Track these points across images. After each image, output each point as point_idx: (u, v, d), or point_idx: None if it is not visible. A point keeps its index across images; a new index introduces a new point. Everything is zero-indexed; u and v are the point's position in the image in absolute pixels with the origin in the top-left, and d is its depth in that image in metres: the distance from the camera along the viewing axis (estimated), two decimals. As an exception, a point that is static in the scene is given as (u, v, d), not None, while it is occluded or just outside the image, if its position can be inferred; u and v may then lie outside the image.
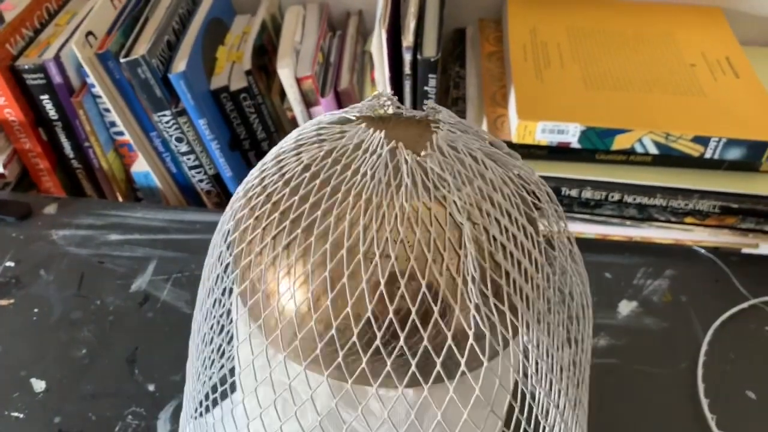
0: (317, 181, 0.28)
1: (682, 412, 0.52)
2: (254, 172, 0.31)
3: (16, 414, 0.51)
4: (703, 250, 0.65)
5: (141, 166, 0.72)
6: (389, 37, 0.60)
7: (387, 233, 0.26)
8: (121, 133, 0.71)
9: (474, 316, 0.27)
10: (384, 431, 0.28)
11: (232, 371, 0.33)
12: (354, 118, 0.31)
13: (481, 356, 0.28)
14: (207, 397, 0.34)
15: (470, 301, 0.27)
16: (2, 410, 0.51)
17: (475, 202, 0.27)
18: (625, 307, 0.60)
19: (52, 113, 0.69)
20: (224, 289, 0.32)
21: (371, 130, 0.29)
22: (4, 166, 0.71)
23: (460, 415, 0.28)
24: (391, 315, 0.27)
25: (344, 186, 0.27)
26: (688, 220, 0.63)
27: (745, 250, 0.65)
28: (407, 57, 0.60)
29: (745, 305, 0.60)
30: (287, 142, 0.32)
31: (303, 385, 0.29)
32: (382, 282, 0.26)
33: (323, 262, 0.27)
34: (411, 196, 0.27)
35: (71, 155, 0.73)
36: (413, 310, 0.26)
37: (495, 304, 0.27)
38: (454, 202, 0.27)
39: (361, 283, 0.26)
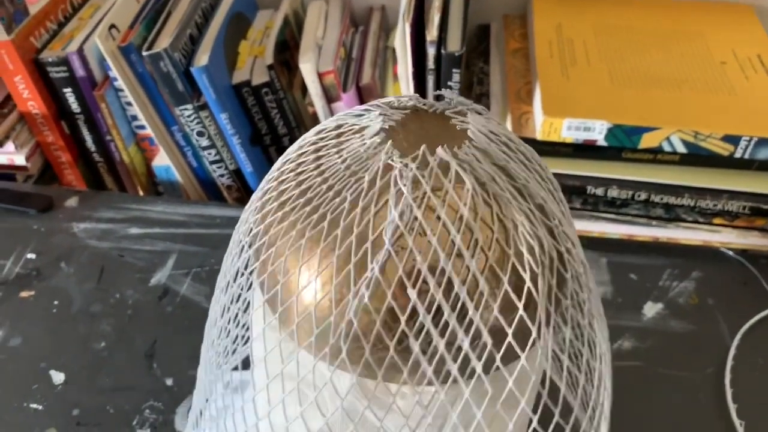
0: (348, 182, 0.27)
1: (708, 417, 0.51)
2: (274, 172, 0.31)
3: (35, 405, 0.51)
4: (731, 252, 0.63)
5: (162, 160, 0.72)
6: (413, 31, 0.59)
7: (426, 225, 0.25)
8: (142, 127, 0.71)
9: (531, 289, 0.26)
10: (407, 428, 0.28)
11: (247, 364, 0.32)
12: (380, 116, 0.31)
13: (496, 357, 0.27)
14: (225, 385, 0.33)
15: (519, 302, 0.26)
16: (21, 402, 0.51)
17: (513, 198, 0.27)
18: (651, 309, 0.59)
19: (75, 106, 0.69)
20: (245, 287, 0.31)
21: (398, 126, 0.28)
22: (27, 159, 0.71)
23: (483, 414, 0.27)
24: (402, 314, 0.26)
25: (379, 182, 0.26)
26: (717, 221, 0.62)
27: (776, 253, 0.64)
28: (431, 51, 0.59)
29: (775, 309, 0.58)
30: (309, 136, 0.31)
31: (324, 380, 0.29)
32: (396, 276, 0.26)
33: (348, 257, 0.26)
34: (453, 178, 0.26)
35: (93, 148, 0.73)
36: (421, 308, 0.25)
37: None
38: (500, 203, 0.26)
39: (390, 278, 0.25)
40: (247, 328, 0.32)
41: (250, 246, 0.30)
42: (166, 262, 0.62)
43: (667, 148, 0.59)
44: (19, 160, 0.71)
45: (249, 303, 0.32)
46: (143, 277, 0.61)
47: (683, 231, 0.63)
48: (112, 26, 0.65)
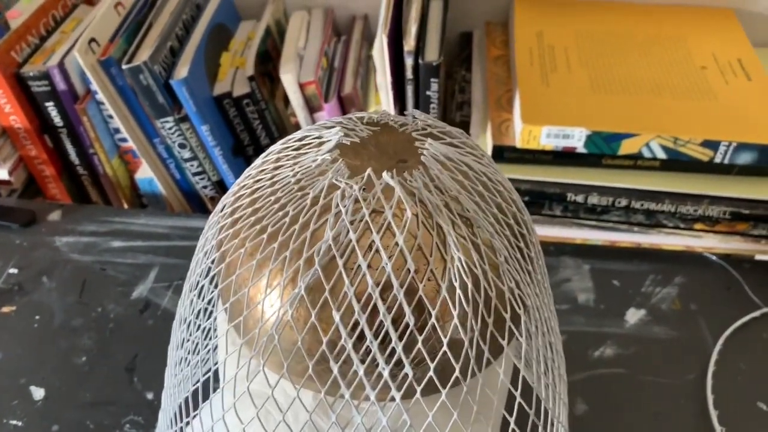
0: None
1: (690, 423, 0.51)
2: (234, 186, 0.31)
3: (14, 422, 0.51)
4: (714, 257, 0.63)
5: (145, 173, 0.72)
6: (390, 41, 0.59)
7: (376, 240, 0.25)
8: (125, 140, 0.71)
9: (457, 327, 0.26)
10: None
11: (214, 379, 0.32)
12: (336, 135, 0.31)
13: (455, 366, 0.27)
14: (187, 409, 0.33)
15: (455, 310, 0.26)
16: (1, 418, 0.51)
17: (458, 208, 0.27)
18: (633, 316, 0.58)
19: (57, 120, 0.69)
20: (207, 305, 0.31)
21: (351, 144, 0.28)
22: (10, 173, 0.71)
23: (446, 425, 0.27)
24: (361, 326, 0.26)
25: (322, 200, 0.26)
26: (698, 226, 0.62)
27: (759, 257, 0.64)
28: (409, 61, 0.59)
29: (757, 314, 0.58)
30: (275, 147, 0.31)
31: (285, 397, 0.28)
32: (348, 294, 0.25)
33: (299, 276, 0.26)
34: (394, 204, 0.26)
35: (76, 162, 0.73)
36: (386, 321, 0.25)
37: (483, 313, 0.26)
38: (440, 207, 0.26)
39: (343, 294, 0.25)
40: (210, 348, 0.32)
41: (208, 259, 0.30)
42: (147, 275, 0.62)
43: (646, 154, 0.59)
44: (2, 174, 0.71)
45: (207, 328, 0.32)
46: (125, 291, 0.61)
47: (665, 237, 0.63)
48: (92, 40, 0.65)
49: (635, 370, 0.54)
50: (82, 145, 0.71)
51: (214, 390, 0.32)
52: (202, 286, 0.31)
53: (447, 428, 0.27)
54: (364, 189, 0.26)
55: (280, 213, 0.26)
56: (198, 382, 0.32)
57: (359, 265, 0.25)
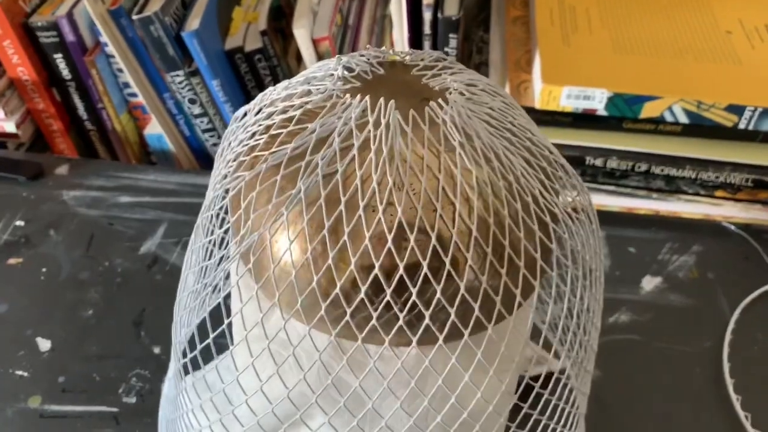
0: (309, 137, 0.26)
1: (705, 391, 0.50)
2: (244, 124, 0.29)
3: (20, 372, 0.50)
4: (733, 227, 0.62)
5: (154, 129, 0.71)
6: (409, -5, 0.57)
7: (390, 182, 0.24)
8: (134, 95, 0.70)
9: (476, 273, 0.25)
10: (385, 392, 0.27)
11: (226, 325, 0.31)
12: (354, 66, 0.29)
13: (484, 321, 0.26)
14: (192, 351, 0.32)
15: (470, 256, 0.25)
16: (7, 368, 0.50)
17: (485, 151, 0.25)
18: (649, 283, 0.57)
19: (65, 73, 0.68)
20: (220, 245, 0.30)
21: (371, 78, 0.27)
22: (17, 126, 0.70)
23: (462, 376, 0.26)
24: (376, 270, 0.25)
25: (339, 136, 0.25)
26: (719, 193, 0.60)
27: (779, 228, 0.62)
28: (427, 15, 0.57)
29: (776, 284, 0.57)
30: (277, 90, 0.30)
31: (301, 343, 0.28)
32: (367, 235, 0.24)
33: (320, 215, 0.25)
34: (413, 143, 0.25)
35: (85, 116, 0.72)
36: (401, 265, 0.24)
37: (493, 262, 0.25)
38: (464, 150, 0.25)
39: (362, 237, 0.24)
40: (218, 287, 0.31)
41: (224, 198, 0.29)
42: (156, 231, 0.61)
43: (668, 118, 0.58)
44: (9, 127, 0.70)
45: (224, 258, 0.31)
46: (133, 246, 0.60)
47: (684, 204, 0.62)
48: (102, -11, 0.63)
49: (650, 336, 0.54)
50: (90, 99, 0.70)
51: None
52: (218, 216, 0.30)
53: (460, 381, 0.26)
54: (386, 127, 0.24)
55: (299, 150, 0.25)
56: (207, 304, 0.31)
57: (377, 205, 0.23)
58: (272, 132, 0.27)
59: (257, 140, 0.27)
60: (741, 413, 0.48)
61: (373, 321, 0.24)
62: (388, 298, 0.24)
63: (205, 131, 0.70)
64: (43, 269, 0.58)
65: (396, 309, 0.24)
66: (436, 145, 0.25)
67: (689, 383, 0.50)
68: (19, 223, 0.62)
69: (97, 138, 0.74)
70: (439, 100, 0.27)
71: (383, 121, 0.25)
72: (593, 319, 0.32)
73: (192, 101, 0.67)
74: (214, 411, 0.31)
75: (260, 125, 0.27)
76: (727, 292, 0.56)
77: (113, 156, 0.75)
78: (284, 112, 0.27)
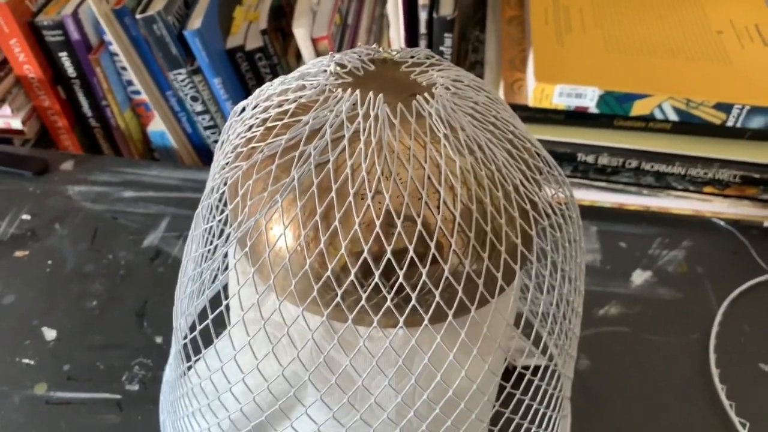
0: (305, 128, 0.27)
1: (691, 381, 0.51)
2: (240, 120, 0.31)
3: (27, 360, 0.52)
4: (722, 223, 0.63)
5: (157, 126, 0.73)
6: (405, -5, 0.59)
7: (378, 171, 0.26)
8: (138, 92, 0.72)
9: (460, 259, 0.26)
10: (374, 371, 0.28)
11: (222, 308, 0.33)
12: (346, 63, 0.31)
13: (468, 303, 0.27)
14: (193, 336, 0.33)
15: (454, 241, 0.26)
16: (14, 356, 0.52)
17: (468, 142, 0.27)
18: (639, 277, 0.59)
19: (71, 71, 0.70)
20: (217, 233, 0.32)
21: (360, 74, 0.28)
22: (23, 123, 0.72)
23: (447, 357, 0.27)
24: (366, 254, 0.26)
25: (330, 128, 0.27)
26: (707, 189, 0.62)
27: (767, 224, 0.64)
28: (423, 15, 0.59)
29: (763, 278, 0.58)
30: (274, 85, 0.31)
31: (294, 324, 0.29)
32: (357, 221, 0.26)
33: (312, 202, 0.27)
34: (401, 134, 0.26)
35: (89, 114, 0.73)
36: (388, 250, 0.26)
37: (475, 247, 0.26)
38: (449, 140, 0.27)
39: (352, 224, 0.26)
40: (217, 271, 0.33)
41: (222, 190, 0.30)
42: (159, 225, 0.63)
43: (659, 115, 0.59)
44: (16, 123, 0.71)
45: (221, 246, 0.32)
46: (136, 239, 0.61)
47: (674, 200, 0.63)
48: (107, -11, 0.65)
49: (639, 328, 0.55)
50: (94, 96, 0.72)
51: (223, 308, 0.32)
52: (216, 206, 0.32)
53: (445, 361, 0.27)
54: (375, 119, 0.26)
55: (293, 141, 0.26)
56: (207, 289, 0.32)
57: (366, 193, 0.25)
58: (268, 124, 0.28)
59: (254, 132, 0.29)
60: (725, 402, 0.49)
61: (362, 303, 0.26)
62: (376, 281, 0.25)
63: (206, 128, 0.71)
64: (49, 262, 0.59)
65: (384, 292, 0.25)
66: (422, 136, 0.27)
67: (676, 374, 0.52)
68: (26, 217, 0.63)
69: (101, 135, 0.75)
70: (426, 95, 0.28)
71: (372, 114, 0.27)
72: (574, 305, 0.33)
73: (194, 99, 0.68)
74: (213, 391, 0.32)
75: (257, 118, 0.29)
76: (715, 286, 0.58)
77: (117, 152, 0.77)
78: (279, 105, 0.29)
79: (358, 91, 0.28)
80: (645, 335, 0.54)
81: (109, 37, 0.65)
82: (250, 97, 0.32)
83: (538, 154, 0.30)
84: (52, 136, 0.75)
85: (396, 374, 0.28)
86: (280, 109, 0.28)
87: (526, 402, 0.31)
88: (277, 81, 0.31)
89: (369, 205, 0.26)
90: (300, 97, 0.29)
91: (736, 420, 0.48)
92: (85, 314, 0.55)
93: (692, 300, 0.57)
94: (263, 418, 0.31)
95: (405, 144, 0.27)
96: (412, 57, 0.32)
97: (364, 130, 0.27)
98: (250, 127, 0.29)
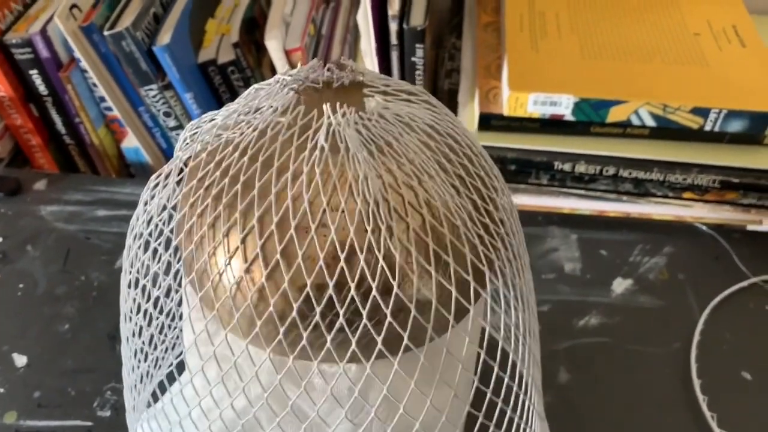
0: (245, 159, 0.26)
1: (673, 392, 0.51)
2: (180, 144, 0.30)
3: (-4, 388, 0.51)
4: (704, 227, 0.62)
5: (131, 142, 0.72)
6: (375, 6, 0.58)
7: (324, 203, 0.25)
8: (111, 109, 0.70)
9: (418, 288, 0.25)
10: (327, 407, 0.27)
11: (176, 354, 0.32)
12: (288, 90, 0.30)
13: (426, 326, 0.26)
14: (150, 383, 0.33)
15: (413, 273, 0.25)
16: (-17, 385, 0.51)
17: (413, 169, 0.26)
18: (620, 285, 0.58)
19: (42, 88, 0.69)
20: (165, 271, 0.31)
21: (299, 98, 0.28)
22: (-4, 143, 0.71)
23: (407, 390, 0.26)
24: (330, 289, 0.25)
25: (277, 161, 0.26)
26: (687, 195, 0.61)
27: (750, 227, 0.63)
28: (393, 26, 0.58)
29: (745, 284, 0.57)
30: (211, 116, 0.30)
31: (247, 361, 0.28)
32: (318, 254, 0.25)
33: (259, 238, 0.26)
34: (345, 163, 0.25)
35: (63, 131, 0.72)
36: (330, 284, 0.25)
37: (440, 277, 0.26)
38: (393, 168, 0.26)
39: (296, 258, 0.25)
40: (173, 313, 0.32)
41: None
42: (132, 244, 0.62)
43: (635, 121, 0.58)
44: (-12, 143, 0.70)
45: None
46: (109, 259, 0.60)
47: (654, 206, 0.62)
48: (74, 6, 0.64)
49: (620, 339, 0.54)
50: (67, 114, 0.71)
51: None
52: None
53: (406, 393, 0.26)
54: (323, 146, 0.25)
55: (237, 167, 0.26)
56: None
57: (310, 226, 0.24)
58: (211, 153, 0.28)
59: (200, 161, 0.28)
60: (707, 413, 0.49)
61: (303, 342, 0.25)
62: (317, 318, 0.24)
63: (181, 143, 0.70)
64: (20, 285, 0.58)
65: (322, 327, 0.25)
66: (368, 163, 0.26)
67: (657, 385, 0.51)
68: (-3, 239, 0.62)
69: (77, 152, 0.74)
70: (370, 116, 0.28)
71: (318, 144, 0.26)
72: (530, 305, 0.32)
73: (167, 114, 0.67)
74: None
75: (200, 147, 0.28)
76: (696, 293, 0.57)
77: (93, 170, 0.75)
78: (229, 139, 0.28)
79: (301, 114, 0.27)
80: (626, 345, 0.54)
81: (78, 54, 0.64)
82: (187, 127, 0.31)
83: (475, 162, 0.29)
84: (27, 154, 0.74)
85: (352, 408, 0.27)
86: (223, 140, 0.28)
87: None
88: (208, 117, 0.30)
89: (313, 237, 0.25)
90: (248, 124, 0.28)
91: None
92: (56, 338, 0.54)
93: (673, 308, 0.56)
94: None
95: (349, 175, 0.26)
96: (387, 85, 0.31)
97: (309, 160, 0.26)
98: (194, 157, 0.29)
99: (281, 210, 0.25)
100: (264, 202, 0.25)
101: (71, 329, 0.55)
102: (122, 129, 0.73)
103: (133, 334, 0.32)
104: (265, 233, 0.25)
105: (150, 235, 0.30)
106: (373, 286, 0.25)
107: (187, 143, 0.30)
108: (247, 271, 0.26)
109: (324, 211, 0.25)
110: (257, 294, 0.26)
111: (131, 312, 0.32)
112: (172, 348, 0.35)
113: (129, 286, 0.31)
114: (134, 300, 0.31)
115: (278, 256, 0.24)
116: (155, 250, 0.31)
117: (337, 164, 0.26)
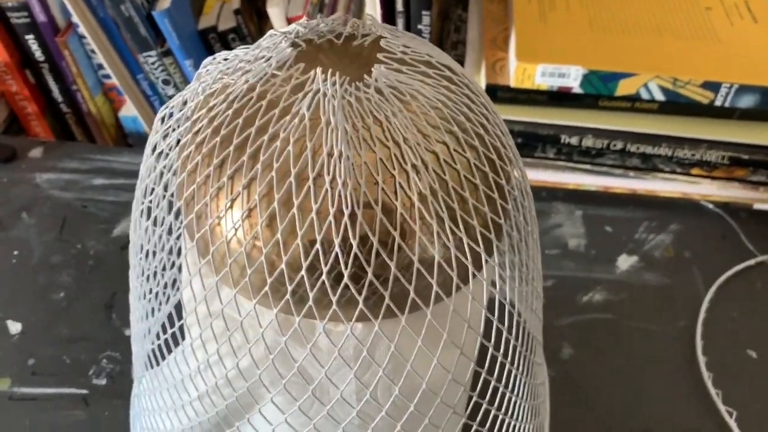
0: (243, 114, 0.25)
1: (678, 369, 0.50)
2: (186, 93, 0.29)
3: (-10, 355, 0.50)
4: (711, 206, 0.61)
5: (129, 111, 0.70)
6: (381, -29, 0.56)
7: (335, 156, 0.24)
8: (109, 76, 0.69)
9: (432, 243, 0.24)
10: (334, 366, 0.26)
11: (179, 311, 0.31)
12: (299, 41, 0.29)
13: (438, 289, 0.25)
14: (157, 340, 0.32)
15: (431, 222, 0.24)
16: (-24, 351, 0.50)
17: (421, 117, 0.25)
18: (625, 262, 0.57)
19: (38, 54, 0.67)
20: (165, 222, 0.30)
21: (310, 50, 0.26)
22: (-10, 109, 0.69)
23: (413, 350, 0.25)
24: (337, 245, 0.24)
25: (259, 120, 0.25)
26: (695, 171, 0.60)
27: (757, 206, 0.62)
28: (400, -7, 0.57)
29: (751, 262, 0.57)
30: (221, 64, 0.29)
31: (251, 320, 0.27)
32: (322, 208, 0.24)
33: (269, 190, 0.25)
34: (353, 115, 0.24)
35: (59, 99, 0.71)
36: (345, 238, 0.24)
37: (451, 228, 0.25)
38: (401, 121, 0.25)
39: (308, 211, 0.24)
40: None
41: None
42: (129, 213, 0.60)
43: (644, 95, 0.57)
44: (-18, 110, 0.69)
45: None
46: (106, 228, 0.59)
47: (661, 183, 0.61)
48: (72, -32, 0.62)
49: (624, 315, 0.53)
50: (64, 81, 0.69)
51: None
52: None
53: (412, 352, 0.26)
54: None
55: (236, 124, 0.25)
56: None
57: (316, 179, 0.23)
58: (212, 106, 0.26)
59: (199, 114, 0.27)
60: (712, 390, 0.48)
61: (309, 303, 0.24)
62: (323, 277, 0.23)
63: (180, 113, 0.69)
64: (15, 252, 0.57)
65: (328, 286, 0.24)
66: (380, 113, 0.25)
67: (662, 362, 0.50)
68: (-9, 206, 0.61)
69: (74, 120, 0.73)
70: (382, 68, 0.26)
71: (328, 92, 0.25)
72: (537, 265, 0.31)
73: (166, 82, 0.66)
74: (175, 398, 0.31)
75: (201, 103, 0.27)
76: (702, 271, 0.56)
77: (90, 138, 0.74)
78: (225, 88, 0.27)
79: (319, 69, 0.26)
80: (630, 322, 0.53)
81: (75, 18, 0.63)
82: (203, 63, 0.30)
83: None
84: (22, 122, 0.73)
85: (359, 367, 0.26)
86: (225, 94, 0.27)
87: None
88: (220, 57, 0.29)
89: (327, 190, 0.24)
90: (248, 73, 0.27)
91: (723, 409, 0.47)
92: (51, 306, 0.53)
93: (679, 285, 0.55)
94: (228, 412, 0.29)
95: (362, 124, 0.25)
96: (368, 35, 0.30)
97: (316, 107, 0.25)
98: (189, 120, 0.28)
99: (252, 169, 0.24)
100: (239, 160, 0.24)
101: (66, 297, 0.54)
102: (120, 97, 0.71)
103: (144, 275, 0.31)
104: (273, 185, 0.24)
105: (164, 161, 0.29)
106: (374, 240, 0.24)
107: (203, 81, 0.28)
108: (250, 226, 0.25)
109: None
110: (266, 249, 0.24)
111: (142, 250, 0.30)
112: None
113: (141, 216, 0.30)
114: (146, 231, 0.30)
115: (275, 204, 0.23)
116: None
117: (313, 138, 0.25)
